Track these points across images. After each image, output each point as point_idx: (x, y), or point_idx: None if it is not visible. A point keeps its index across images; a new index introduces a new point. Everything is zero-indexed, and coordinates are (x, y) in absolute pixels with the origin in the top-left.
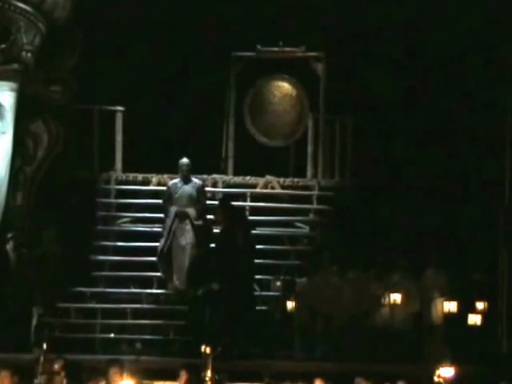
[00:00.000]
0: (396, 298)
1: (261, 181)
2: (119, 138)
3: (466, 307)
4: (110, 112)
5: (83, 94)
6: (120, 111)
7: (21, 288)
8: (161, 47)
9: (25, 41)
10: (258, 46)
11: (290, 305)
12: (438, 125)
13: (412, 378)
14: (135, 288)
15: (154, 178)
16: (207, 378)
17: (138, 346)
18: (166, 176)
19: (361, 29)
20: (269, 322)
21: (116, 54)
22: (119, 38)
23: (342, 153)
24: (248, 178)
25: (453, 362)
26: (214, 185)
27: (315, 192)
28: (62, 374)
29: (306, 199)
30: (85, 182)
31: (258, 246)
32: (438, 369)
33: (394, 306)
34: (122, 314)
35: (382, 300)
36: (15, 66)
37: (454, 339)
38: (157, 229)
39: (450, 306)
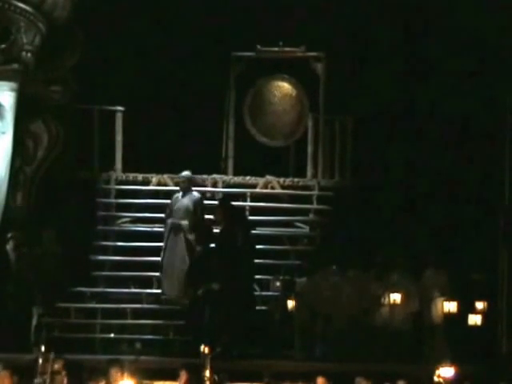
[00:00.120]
0: (396, 297)
1: (261, 181)
2: (119, 138)
3: (466, 307)
4: (110, 112)
5: (83, 94)
6: (120, 111)
7: (21, 288)
8: (161, 47)
9: (25, 41)
10: (258, 46)
11: (290, 305)
12: (438, 125)
13: (412, 377)
14: (135, 288)
15: (154, 178)
16: (206, 378)
17: (138, 346)
18: (166, 176)
19: (361, 29)
20: (269, 322)
21: (116, 54)
22: (119, 38)
23: (341, 153)
24: (248, 177)
25: (453, 361)
26: (214, 185)
27: (315, 192)
28: (63, 373)
29: (306, 199)
30: (85, 182)
31: (257, 246)
32: (437, 369)
33: (393, 305)
34: (122, 313)
35: (382, 300)
36: (15, 66)
37: (453, 339)
38: (157, 229)
39: (450, 306)
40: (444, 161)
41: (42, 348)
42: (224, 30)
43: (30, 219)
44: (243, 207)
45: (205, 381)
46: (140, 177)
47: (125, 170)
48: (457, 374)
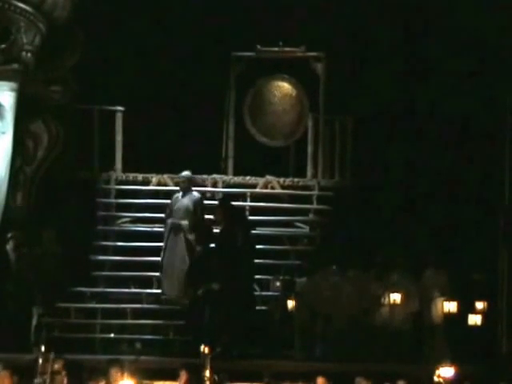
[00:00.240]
0: (396, 297)
1: (261, 181)
2: (119, 138)
3: (466, 307)
4: (110, 112)
5: (83, 94)
6: (120, 111)
7: (21, 288)
8: (161, 47)
9: (25, 41)
10: (258, 46)
11: (290, 305)
12: (438, 125)
13: (412, 377)
14: (135, 288)
15: (154, 178)
16: (206, 378)
17: (138, 346)
18: (166, 176)
19: (361, 29)
20: (269, 322)
21: (116, 54)
22: (119, 38)
23: (341, 153)
24: (248, 178)
25: (453, 361)
26: (214, 185)
27: (315, 192)
28: (63, 373)
29: (306, 199)
30: (85, 182)
31: (257, 246)
32: (437, 369)
33: (393, 305)
34: (122, 313)
35: (382, 300)
36: (15, 66)
37: (453, 339)
38: (157, 229)
39: (450, 306)
40: (444, 161)
41: (42, 348)
42: (224, 30)
43: (30, 219)
44: (243, 207)
45: (205, 381)
46: (140, 177)
47: (125, 170)
48: (457, 374)
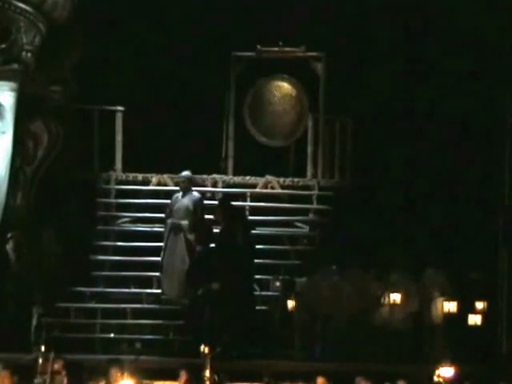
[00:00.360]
0: (396, 297)
1: (261, 181)
2: (119, 138)
3: (466, 307)
4: (110, 112)
5: (83, 94)
6: (120, 111)
7: (21, 288)
8: (161, 47)
9: (25, 41)
10: (258, 46)
11: (290, 305)
12: (438, 125)
13: (412, 377)
14: (135, 288)
15: (154, 178)
16: (206, 378)
17: (138, 346)
18: (166, 176)
19: (361, 29)
20: (269, 322)
21: (116, 54)
22: (119, 38)
23: (341, 153)
24: (248, 177)
25: (453, 362)
26: (214, 185)
27: (315, 192)
28: (63, 373)
29: (306, 199)
30: (85, 182)
31: (257, 246)
32: (437, 369)
33: (393, 305)
34: (122, 313)
35: (382, 300)
36: (15, 66)
37: (453, 339)
38: (157, 229)
39: (450, 306)
40: (444, 161)
41: (42, 348)
42: (224, 30)
43: (30, 219)
44: (243, 207)
45: (205, 381)
46: (140, 177)
47: (125, 170)
48: (457, 374)
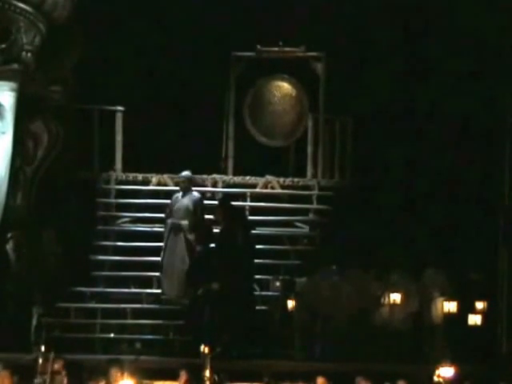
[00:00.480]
0: (396, 297)
1: (261, 181)
2: (119, 137)
3: (466, 307)
4: (110, 112)
5: (83, 94)
6: (120, 111)
7: (21, 288)
8: (161, 47)
9: (25, 41)
10: (258, 46)
11: (290, 305)
12: (438, 124)
13: (412, 377)
14: (135, 288)
15: (154, 178)
16: (206, 378)
17: (138, 346)
18: (165, 176)
19: (361, 29)
20: (269, 322)
21: (116, 54)
22: (119, 38)
23: (341, 153)
24: (248, 177)
25: (453, 361)
26: (214, 185)
27: (315, 192)
28: (63, 373)
29: (306, 199)
30: (85, 182)
31: (257, 246)
32: (437, 369)
33: (393, 305)
34: (122, 313)
35: (382, 300)
36: (15, 66)
37: (453, 339)
38: (157, 229)
39: (450, 306)
40: (444, 161)
41: (42, 348)
42: (224, 30)
43: (30, 219)
44: (243, 207)
45: (205, 381)
46: (140, 177)
47: (125, 170)
48: (457, 374)
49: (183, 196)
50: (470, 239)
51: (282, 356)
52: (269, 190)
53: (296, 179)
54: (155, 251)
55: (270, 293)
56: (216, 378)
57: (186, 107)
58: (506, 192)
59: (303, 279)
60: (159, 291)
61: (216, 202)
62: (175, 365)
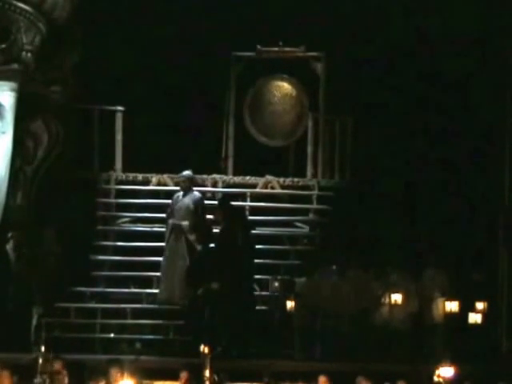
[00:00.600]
0: (396, 297)
1: (261, 181)
2: (119, 137)
3: (466, 307)
4: (110, 112)
5: (83, 94)
6: (120, 111)
7: (21, 288)
8: (161, 47)
9: (25, 41)
10: (258, 46)
11: (290, 304)
12: (438, 125)
13: (412, 377)
14: (135, 288)
15: (154, 178)
16: (206, 378)
17: (138, 345)
18: (165, 176)
19: (360, 29)
20: (269, 322)
21: (116, 54)
22: (119, 38)
23: (341, 153)
24: (248, 177)
25: (453, 361)
26: (214, 185)
27: (315, 192)
28: (63, 373)
29: (306, 199)
30: (85, 182)
31: (257, 246)
32: (437, 369)
33: (393, 305)
34: (122, 313)
35: (382, 300)
36: (15, 66)
37: (454, 339)
38: (157, 229)
39: (451, 306)
40: (444, 160)
41: (42, 348)
42: (224, 30)
43: (30, 219)
44: (243, 207)
45: (205, 381)
46: (140, 177)
47: (125, 169)
48: (457, 374)
49: (184, 195)
50: (470, 239)
51: (282, 356)
52: (269, 190)
53: (296, 179)
54: (155, 251)
55: (269, 293)
56: (216, 378)
57: (186, 107)
58: (506, 192)
59: (303, 279)
60: (158, 291)
61: (216, 202)
62: (175, 365)
